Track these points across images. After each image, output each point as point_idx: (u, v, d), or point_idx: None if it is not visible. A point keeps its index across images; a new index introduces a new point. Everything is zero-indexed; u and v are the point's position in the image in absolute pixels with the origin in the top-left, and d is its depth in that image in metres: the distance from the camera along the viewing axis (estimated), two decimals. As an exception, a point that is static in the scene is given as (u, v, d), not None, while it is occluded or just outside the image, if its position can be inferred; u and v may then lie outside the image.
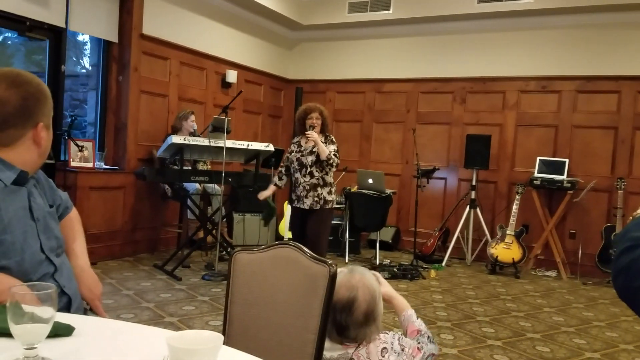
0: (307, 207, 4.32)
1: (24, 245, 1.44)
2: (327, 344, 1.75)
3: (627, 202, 5.69)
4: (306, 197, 4.33)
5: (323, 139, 4.34)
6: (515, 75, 6.50)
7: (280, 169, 4.63)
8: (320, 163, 4.32)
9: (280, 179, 4.59)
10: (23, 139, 1.47)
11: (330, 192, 4.38)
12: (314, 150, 4.33)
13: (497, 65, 6.59)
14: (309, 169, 4.35)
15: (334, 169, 4.39)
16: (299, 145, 4.46)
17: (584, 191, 5.84)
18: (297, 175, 4.41)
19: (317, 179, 4.33)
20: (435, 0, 6.64)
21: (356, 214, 5.99)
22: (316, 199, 4.31)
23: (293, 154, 4.45)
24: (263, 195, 4.63)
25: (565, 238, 6.20)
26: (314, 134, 4.24)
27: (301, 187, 4.36)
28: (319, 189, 4.32)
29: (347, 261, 6.00)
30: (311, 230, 4.32)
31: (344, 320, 1.67)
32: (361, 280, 1.71)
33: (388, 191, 5.98)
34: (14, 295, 1.02)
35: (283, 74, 7.86)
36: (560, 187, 5.88)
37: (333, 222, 6.26)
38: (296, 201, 4.42)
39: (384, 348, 1.69)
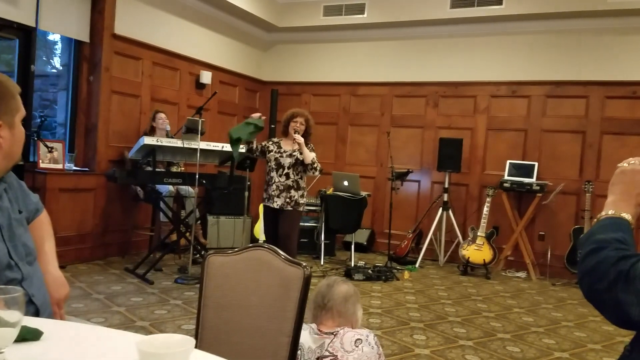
0: (277, 207, 4.36)
1: None
2: (308, 337, 1.81)
3: (595, 205, 5.83)
4: (278, 197, 4.36)
5: None
6: (486, 80, 6.61)
7: (257, 146, 4.49)
8: (297, 166, 4.39)
9: (255, 148, 4.48)
10: None
11: (302, 196, 4.46)
12: (293, 153, 4.38)
13: (469, 70, 6.69)
14: (285, 170, 4.38)
15: (317, 173, 4.44)
16: (279, 146, 4.47)
17: (553, 194, 5.96)
18: (273, 174, 4.42)
19: (293, 181, 4.38)
20: (409, 5, 6.72)
21: (331, 216, 6.01)
22: (287, 200, 4.36)
23: (272, 153, 4.46)
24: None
25: (535, 240, 6.32)
26: (301, 138, 4.31)
27: (274, 187, 4.39)
28: (292, 191, 4.37)
29: (322, 263, 6.00)
30: (282, 230, 4.36)
31: (326, 292, 1.92)
32: (342, 279, 2.02)
33: (363, 193, 6.01)
34: (-21, 299, 0.99)
35: (258, 76, 7.84)
36: (529, 189, 5.99)
37: (308, 224, 6.37)
38: (267, 200, 4.44)
39: (358, 339, 1.79)
